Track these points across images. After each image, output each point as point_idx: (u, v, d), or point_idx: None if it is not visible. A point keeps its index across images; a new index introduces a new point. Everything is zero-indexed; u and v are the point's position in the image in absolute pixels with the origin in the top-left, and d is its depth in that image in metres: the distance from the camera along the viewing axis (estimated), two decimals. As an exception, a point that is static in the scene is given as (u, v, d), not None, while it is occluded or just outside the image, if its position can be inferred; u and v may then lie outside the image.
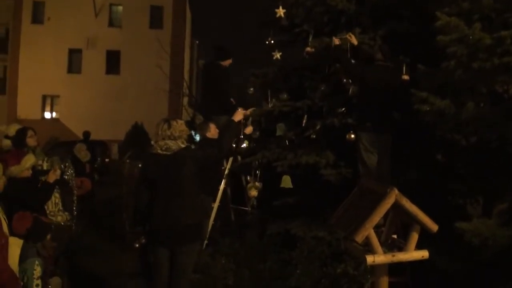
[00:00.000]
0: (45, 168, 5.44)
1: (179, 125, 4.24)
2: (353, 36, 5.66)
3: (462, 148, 5.20)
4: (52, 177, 5.03)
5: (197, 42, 35.53)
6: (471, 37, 4.17)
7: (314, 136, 5.90)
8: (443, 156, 5.62)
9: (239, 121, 4.88)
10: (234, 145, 6.41)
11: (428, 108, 4.66)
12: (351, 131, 5.48)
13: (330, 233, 5.28)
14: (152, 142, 4.35)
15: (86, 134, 14.72)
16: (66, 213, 5.60)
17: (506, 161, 4.64)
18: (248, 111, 6.50)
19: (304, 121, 5.94)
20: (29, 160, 4.83)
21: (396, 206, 2.75)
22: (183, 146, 4.19)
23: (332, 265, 4.85)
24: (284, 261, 5.33)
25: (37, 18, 28.44)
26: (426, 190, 5.29)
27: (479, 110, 4.43)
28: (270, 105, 6.67)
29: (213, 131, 6.01)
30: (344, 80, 5.98)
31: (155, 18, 28.49)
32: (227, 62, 6.79)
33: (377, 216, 2.69)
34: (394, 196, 2.70)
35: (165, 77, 25.41)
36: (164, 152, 4.11)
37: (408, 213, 2.77)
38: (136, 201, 4.57)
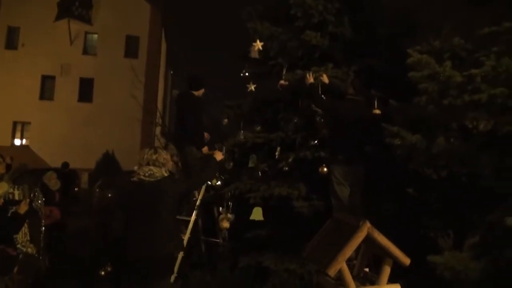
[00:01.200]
0: (16, 197, 5.26)
1: (165, 154, 4.21)
2: (324, 76, 5.76)
3: (434, 182, 5.26)
4: (23, 208, 4.86)
5: (171, 72, 35.61)
6: (441, 75, 4.27)
7: (286, 168, 5.90)
8: (415, 189, 5.66)
9: (219, 160, 4.84)
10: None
11: (399, 142, 4.72)
12: (324, 165, 5.50)
13: (302, 266, 5.24)
14: (135, 168, 4.20)
15: (65, 164, 14.74)
16: (31, 245, 5.40)
17: (476, 195, 4.70)
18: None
19: (277, 153, 5.93)
20: (1, 188, 4.66)
21: (368, 239, 2.74)
22: (166, 174, 4.12)
23: (304, 299, 4.79)
24: (256, 295, 5.26)
25: (11, 43, 28.13)
26: (399, 223, 5.32)
27: (450, 145, 4.51)
28: (242, 137, 6.67)
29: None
30: (316, 114, 6.04)
31: (131, 48, 28.48)
32: (200, 92, 6.78)
33: (350, 249, 2.67)
34: (366, 229, 2.69)
35: (139, 106, 25.27)
36: (148, 179, 4.01)
37: (380, 246, 2.76)
38: (109, 228, 4.45)
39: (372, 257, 3.34)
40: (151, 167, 4.05)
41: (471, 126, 4.89)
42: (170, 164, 4.23)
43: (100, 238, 7.03)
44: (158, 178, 4.01)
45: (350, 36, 6.42)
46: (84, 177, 23.69)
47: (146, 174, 4.02)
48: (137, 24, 28.33)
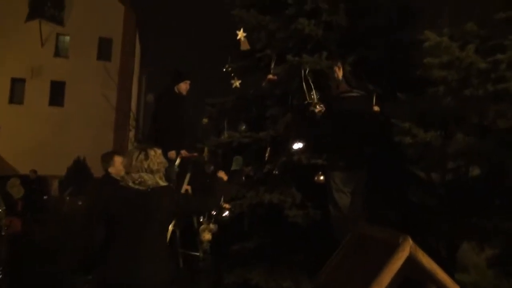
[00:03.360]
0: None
1: (158, 156, 3.41)
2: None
3: (443, 186, 4.68)
4: None
5: (145, 76, 34.57)
6: (463, 61, 3.66)
7: (277, 172, 5.20)
8: (422, 195, 5.06)
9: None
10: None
11: (410, 141, 4.10)
12: (320, 172, 4.83)
13: (297, 284, 4.55)
14: (122, 174, 3.44)
15: (33, 171, 14.23)
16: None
17: (498, 198, 4.10)
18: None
19: (267, 155, 5.23)
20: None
21: (409, 261, 2.07)
22: (162, 183, 3.36)
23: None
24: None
25: (-21, 45, 26.93)
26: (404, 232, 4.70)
27: (470, 142, 3.89)
28: (224, 137, 5.98)
29: (117, 166, 5.11)
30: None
31: (104, 50, 27.47)
32: (183, 87, 6.08)
33: (388, 276, 1.99)
34: (408, 248, 2.02)
35: (112, 110, 24.35)
36: (137, 186, 3.26)
37: (424, 271, 2.09)
38: (86, 242, 3.65)
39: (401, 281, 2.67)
40: (142, 174, 3.29)
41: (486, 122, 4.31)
42: (163, 167, 3.47)
43: (76, 250, 6.23)
44: (151, 186, 3.28)
45: (346, 25, 5.79)
46: (55, 184, 22.71)
47: (136, 182, 3.27)
48: (111, 26, 27.37)
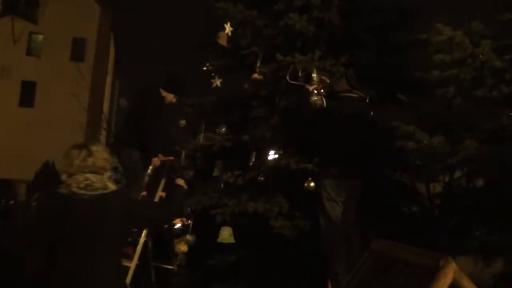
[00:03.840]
0: None
1: (101, 151, 2.93)
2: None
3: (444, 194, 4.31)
4: None
5: (119, 79, 33.70)
6: (480, 56, 3.27)
7: (262, 178, 4.74)
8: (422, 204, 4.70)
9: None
10: None
11: (414, 146, 3.70)
12: (310, 178, 4.37)
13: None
14: (63, 177, 2.86)
15: None
16: None
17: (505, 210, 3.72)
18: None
19: (252, 160, 4.77)
20: None
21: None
22: (112, 186, 2.85)
23: None
24: None
25: None
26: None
27: (481, 148, 3.50)
28: (201, 139, 5.51)
29: None
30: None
31: (77, 50, 26.70)
32: (169, 97, 5.62)
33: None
34: (452, 273, 1.60)
35: (84, 112, 23.62)
36: (83, 191, 2.73)
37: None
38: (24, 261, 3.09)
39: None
40: (88, 175, 2.77)
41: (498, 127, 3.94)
42: (110, 165, 2.97)
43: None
44: (99, 191, 2.76)
45: (339, 24, 5.39)
46: (22, 189, 21.82)
47: (81, 186, 2.74)
48: (85, 26, 26.64)
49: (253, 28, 5.55)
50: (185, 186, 3.58)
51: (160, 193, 5.51)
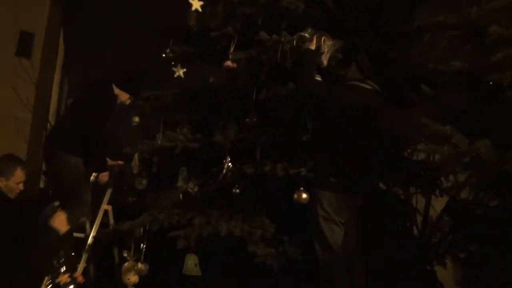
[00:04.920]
0: None
1: None
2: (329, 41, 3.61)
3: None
4: None
5: (68, 77, 31.89)
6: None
7: (238, 191, 3.69)
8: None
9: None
10: None
11: (453, 152, 2.76)
12: (302, 188, 3.34)
13: None
14: None
15: None
16: None
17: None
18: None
19: (225, 167, 3.70)
20: None
21: None
22: None
23: None
24: None
25: None
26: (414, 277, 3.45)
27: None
28: (159, 141, 4.43)
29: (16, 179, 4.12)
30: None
31: (24, 45, 24.88)
32: (123, 98, 4.55)
33: None
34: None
35: (28, 111, 21.87)
36: None
37: None
38: None
39: None
40: None
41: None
42: None
43: None
44: None
45: (332, 5, 4.44)
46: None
47: None
48: (34, 20, 24.89)
49: (226, 4, 4.53)
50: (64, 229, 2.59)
51: (104, 206, 4.44)
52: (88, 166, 4.24)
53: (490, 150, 2.69)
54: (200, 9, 4.50)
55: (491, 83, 2.79)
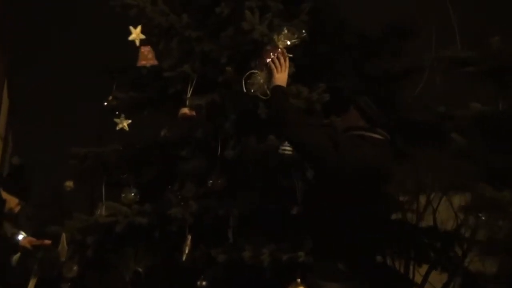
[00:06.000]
0: None
1: None
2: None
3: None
4: None
5: (12, 133, 30.00)
6: None
7: (204, 284, 2.71)
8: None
9: None
10: None
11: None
12: (299, 280, 2.41)
13: None
14: None
15: None
16: None
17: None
18: None
19: (185, 250, 2.71)
20: None
21: None
22: None
23: None
24: None
25: None
26: None
27: None
28: (98, 212, 3.44)
29: None
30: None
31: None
32: (13, 201, 3.80)
33: None
34: None
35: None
36: None
37: None
38: None
39: None
40: None
41: None
42: None
43: None
44: None
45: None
46: None
47: None
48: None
49: (182, 40, 3.68)
50: None
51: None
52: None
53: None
54: (137, 42, 3.62)
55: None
